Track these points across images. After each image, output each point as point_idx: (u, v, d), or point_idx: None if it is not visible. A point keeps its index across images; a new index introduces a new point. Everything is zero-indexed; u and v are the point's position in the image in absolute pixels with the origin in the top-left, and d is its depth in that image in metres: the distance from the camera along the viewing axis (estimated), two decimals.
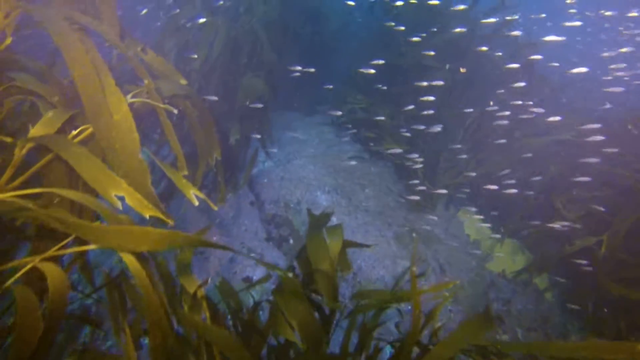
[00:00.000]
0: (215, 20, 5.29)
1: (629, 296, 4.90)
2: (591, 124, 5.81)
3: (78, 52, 1.77)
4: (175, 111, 2.29)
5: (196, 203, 1.97)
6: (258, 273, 5.23)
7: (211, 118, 3.26)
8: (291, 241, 5.71)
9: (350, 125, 7.46)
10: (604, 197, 5.60)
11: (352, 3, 8.02)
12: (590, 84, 8.66)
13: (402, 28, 6.59)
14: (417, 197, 6.26)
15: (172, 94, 2.78)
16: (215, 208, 1.98)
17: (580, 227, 5.61)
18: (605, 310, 5.36)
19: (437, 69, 6.56)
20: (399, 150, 6.39)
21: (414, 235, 6.04)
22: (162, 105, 2.26)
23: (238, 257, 5.34)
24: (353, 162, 6.91)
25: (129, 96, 2.22)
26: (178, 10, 5.33)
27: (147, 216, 1.89)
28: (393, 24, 6.78)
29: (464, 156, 6.40)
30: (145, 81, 2.23)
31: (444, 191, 6.22)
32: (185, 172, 2.69)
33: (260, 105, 5.51)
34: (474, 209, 6.71)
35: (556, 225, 5.54)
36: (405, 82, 6.74)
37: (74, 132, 1.93)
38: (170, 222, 2.15)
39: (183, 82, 3.01)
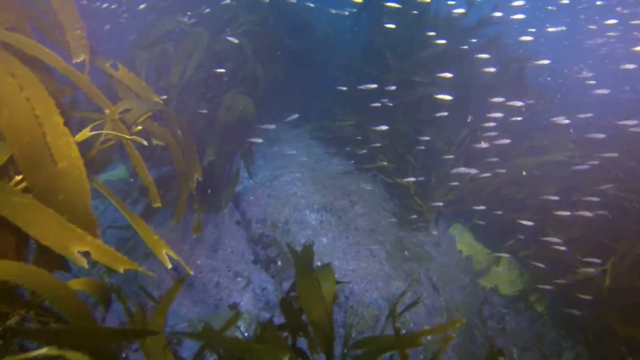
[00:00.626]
0: (195, 31, 5.00)
1: (636, 336, 4.71)
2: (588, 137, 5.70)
3: (7, 89, 1.48)
4: (146, 143, 2.02)
5: (169, 265, 1.70)
6: (245, 298, 4.95)
7: (191, 139, 2.99)
8: (279, 263, 5.43)
9: (339, 141, 7.20)
10: (602, 218, 5.42)
11: (334, 11, 7.77)
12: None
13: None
14: (409, 214, 6.05)
15: (147, 113, 2.50)
16: (191, 272, 1.71)
17: (578, 250, 5.42)
18: (607, 339, 5.16)
19: (427, 85, 6.35)
20: (387, 165, 6.17)
21: (406, 253, 5.81)
22: (128, 137, 1.98)
23: (224, 281, 5.05)
24: (343, 179, 6.66)
25: (88, 129, 1.93)
26: (154, 20, 5.04)
27: (122, 270, 1.62)
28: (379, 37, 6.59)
29: (459, 170, 6.21)
30: (107, 110, 1.95)
31: (439, 203, 6.03)
32: (158, 204, 2.42)
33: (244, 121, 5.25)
34: (465, 225, 6.52)
35: (553, 244, 5.34)
36: (395, 97, 6.51)
37: (17, 178, 1.63)
38: (150, 274, 1.87)
39: (157, 99, 2.73)
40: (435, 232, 6.43)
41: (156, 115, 2.91)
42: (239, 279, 5.14)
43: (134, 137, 2.00)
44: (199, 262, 5.16)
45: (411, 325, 5.03)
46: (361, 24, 8.20)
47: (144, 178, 2.07)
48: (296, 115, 6.33)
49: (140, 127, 2.11)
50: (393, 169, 6.42)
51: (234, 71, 5.51)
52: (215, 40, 5.40)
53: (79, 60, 2.10)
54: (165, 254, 1.74)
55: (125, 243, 5.11)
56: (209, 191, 5.49)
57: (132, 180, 6.00)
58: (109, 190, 1.92)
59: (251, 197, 6.19)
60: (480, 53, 6.40)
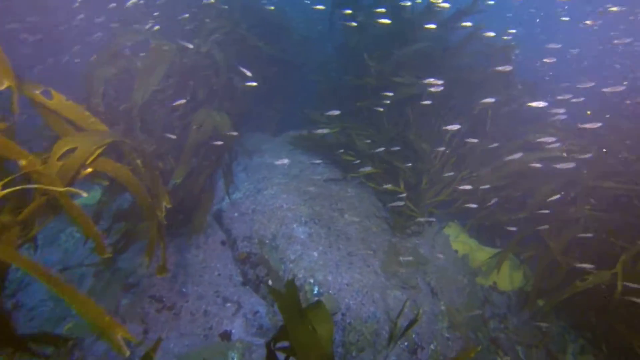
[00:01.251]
0: (159, 43, 4.61)
1: None
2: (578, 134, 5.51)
3: None
4: (85, 194, 1.69)
5: (126, 353, 1.38)
6: (237, 325, 4.63)
7: (157, 164, 2.66)
8: (270, 282, 5.11)
9: (323, 149, 6.88)
10: (606, 215, 5.19)
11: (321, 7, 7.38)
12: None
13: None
14: (401, 218, 5.79)
15: (97, 150, 2.16)
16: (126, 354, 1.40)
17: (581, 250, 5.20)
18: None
19: (408, 85, 6.06)
20: (375, 171, 5.88)
21: (401, 259, 5.55)
22: (60, 189, 1.65)
23: (212, 308, 4.72)
24: (330, 186, 6.36)
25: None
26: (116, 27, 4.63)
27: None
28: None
29: (450, 173, 5.96)
30: (22, 162, 1.62)
31: (431, 205, 5.77)
32: (108, 255, 2.08)
33: (219, 142, 4.90)
34: (459, 224, 6.28)
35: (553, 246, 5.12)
36: (374, 97, 6.22)
37: None
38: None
39: (103, 128, 2.39)
40: (428, 233, 6.19)
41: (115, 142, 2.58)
42: (228, 304, 4.81)
43: (68, 189, 1.67)
44: (184, 290, 4.82)
45: (413, 336, 4.77)
46: (335, 23, 7.88)
47: (86, 231, 1.75)
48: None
49: (89, 170, 1.78)
50: (382, 174, 6.14)
51: (206, 84, 5.16)
52: (183, 52, 5.04)
53: (2, 88, 1.77)
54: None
55: (100, 277, 4.76)
56: (181, 217, 5.14)
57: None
58: None
59: (235, 214, 5.87)
60: (463, 46, 6.15)
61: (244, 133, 7.75)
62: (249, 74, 4.94)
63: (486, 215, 5.81)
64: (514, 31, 7.04)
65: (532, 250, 5.58)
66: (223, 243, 5.55)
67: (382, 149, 5.88)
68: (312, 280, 4.93)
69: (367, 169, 5.97)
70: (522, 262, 5.92)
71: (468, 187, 5.42)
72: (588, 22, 7.93)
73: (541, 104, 5.47)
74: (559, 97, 5.89)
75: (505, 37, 6.79)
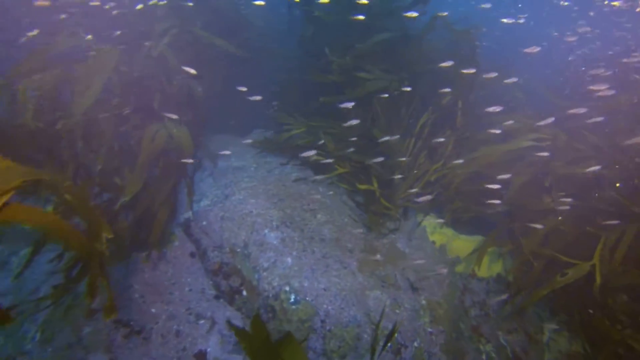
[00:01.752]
0: (101, 49, 4.19)
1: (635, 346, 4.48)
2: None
3: None
4: None
5: None
6: (212, 343, 4.38)
7: (87, 199, 2.35)
8: (244, 293, 4.87)
9: (291, 150, 6.58)
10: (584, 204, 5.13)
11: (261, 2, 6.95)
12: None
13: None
14: (375, 214, 5.61)
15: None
16: None
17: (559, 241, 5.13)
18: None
19: (373, 80, 5.83)
20: (346, 171, 5.66)
21: (378, 257, 5.39)
22: None
23: (185, 327, 4.44)
24: (300, 186, 6.12)
25: None
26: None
27: None
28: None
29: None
30: None
31: (406, 198, 5.61)
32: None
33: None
34: (435, 214, 6.16)
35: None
36: (339, 92, 5.97)
37: None
38: None
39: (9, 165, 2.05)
40: (404, 227, 6.05)
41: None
42: (201, 321, 4.54)
43: None
44: (153, 310, 4.52)
45: (396, 336, 4.63)
46: (294, 14, 7.53)
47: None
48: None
49: None
50: (354, 172, 5.93)
51: (160, 91, 4.78)
52: (131, 57, 4.65)
53: None
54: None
55: (58, 304, 4.38)
56: (143, 233, 4.81)
57: None
58: None
59: (204, 223, 5.56)
60: (426, 34, 5.96)
61: (207, 136, 7.39)
62: (193, 72, 4.54)
63: (461, 208, 5.70)
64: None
65: (509, 244, 5.47)
66: (193, 255, 5.25)
67: (351, 149, 5.66)
68: (287, 288, 4.72)
69: (338, 170, 5.75)
70: (500, 256, 5.84)
71: (442, 177, 5.29)
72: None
73: (497, 108, 5.36)
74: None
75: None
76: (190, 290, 4.84)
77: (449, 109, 6.29)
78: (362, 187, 5.61)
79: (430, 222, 6.22)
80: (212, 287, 4.98)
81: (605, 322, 4.69)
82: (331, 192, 6.03)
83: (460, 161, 5.43)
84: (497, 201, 5.23)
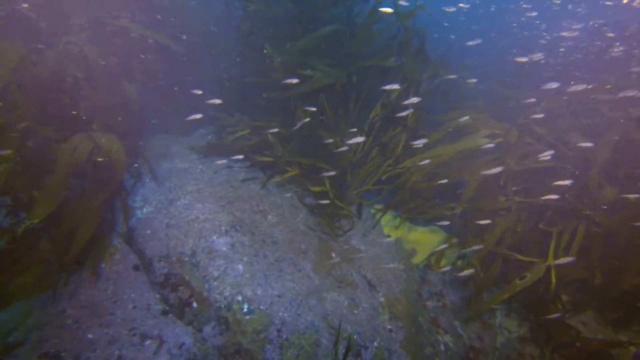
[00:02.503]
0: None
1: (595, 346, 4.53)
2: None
3: None
4: None
5: None
6: None
7: None
8: (194, 305, 4.50)
9: (236, 152, 6.13)
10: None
11: None
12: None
13: None
14: (328, 213, 5.38)
15: None
16: None
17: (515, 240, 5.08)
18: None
19: (319, 77, 5.51)
20: (296, 173, 5.36)
21: (333, 256, 5.18)
22: None
23: (128, 352, 4.03)
24: (249, 186, 5.76)
25: None
26: None
27: None
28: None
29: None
30: None
31: (358, 194, 5.40)
32: None
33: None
34: (384, 206, 6.01)
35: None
36: (283, 89, 5.61)
37: None
38: None
39: None
40: (358, 222, 5.87)
41: None
42: (147, 342, 4.14)
43: None
44: (90, 336, 4.06)
45: (355, 337, 4.45)
46: (231, 7, 7.02)
47: None
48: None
49: None
50: (305, 174, 5.65)
51: (77, 93, 4.23)
52: (39, 55, 4.06)
53: None
54: None
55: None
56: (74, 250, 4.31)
57: None
58: None
59: (147, 231, 5.11)
60: (369, 26, 5.70)
61: (147, 138, 6.84)
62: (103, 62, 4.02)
63: (417, 209, 5.52)
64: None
65: (468, 244, 5.36)
66: (136, 268, 4.79)
67: (300, 151, 5.36)
68: (240, 298, 4.41)
69: (289, 172, 5.45)
70: (459, 256, 5.76)
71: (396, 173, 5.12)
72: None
73: (414, 99, 5.22)
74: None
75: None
76: (134, 307, 4.42)
77: (400, 104, 6.09)
78: (315, 189, 5.33)
79: (385, 216, 6.08)
80: (159, 302, 4.57)
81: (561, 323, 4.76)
82: (282, 191, 5.73)
83: (414, 161, 5.24)
84: (453, 204, 5.15)
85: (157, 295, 4.58)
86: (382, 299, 5.07)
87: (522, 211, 4.78)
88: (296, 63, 5.49)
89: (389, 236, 5.89)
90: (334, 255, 5.19)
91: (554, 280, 4.40)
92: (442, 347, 5.09)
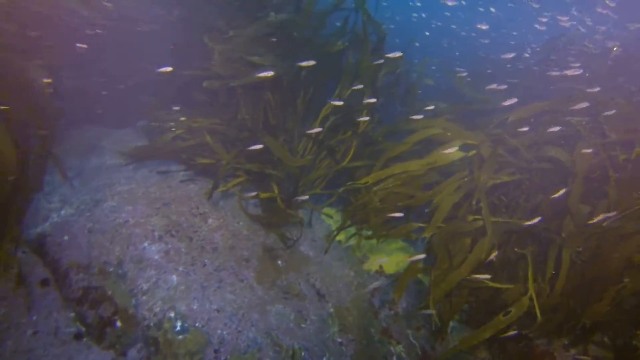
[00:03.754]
0: None
1: None
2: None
3: None
4: None
5: None
6: None
7: None
8: (118, 324, 3.80)
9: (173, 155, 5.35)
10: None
11: None
12: None
13: None
14: (275, 215, 4.84)
15: None
16: None
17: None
18: None
19: (267, 67, 4.89)
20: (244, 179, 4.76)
21: (279, 263, 4.64)
22: None
23: None
24: (188, 186, 5.09)
25: None
26: None
27: None
28: None
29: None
30: None
31: (305, 197, 4.87)
32: None
33: None
34: (340, 211, 5.57)
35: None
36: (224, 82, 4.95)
37: None
38: None
39: None
40: (308, 229, 5.38)
41: None
42: None
43: None
44: None
45: (302, 354, 3.95)
46: None
47: None
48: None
49: None
50: (251, 179, 5.05)
51: None
52: None
53: None
54: None
55: None
56: None
57: None
58: None
59: (65, 238, 4.32)
60: (327, 14, 5.20)
61: (71, 129, 5.95)
62: None
63: (380, 229, 4.87)
64: None
65: (434, 271, 4.51)
66: (45, 283, 4.01)
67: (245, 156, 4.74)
68: (172, 314, 3.77)
69: (233, 182, 4.83)
70: (406, 250, 5.39)
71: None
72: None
73: (371, 100, 4.85)
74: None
75: None
76: (35, 333, 3.64)
77: (355, 100, 5.59)
78: (264, 195, 4.74)
79: (335, 218, 5.63)
80: (73, 322, 3.82)
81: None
82: (225, 191, 5.10)
83: (379, 177, 4.64)
84: (418, 224, 4.64)
85: (72, 314, 3.83)
86: (331, 310, 4.61)
87: (496, 233, 4.19)
88: (239, 55, 4.85)
89: (339, 242, 5.44)
90: (280, 263, 4.66)
91: (539, 316, 3.86)
92: (394, 359, 4.71)
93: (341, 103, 4.95)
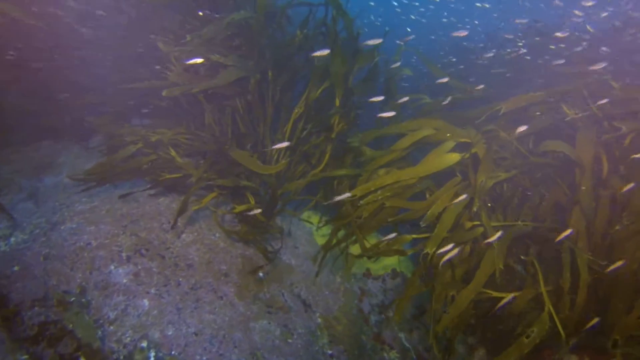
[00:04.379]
0: None
1: None
2: None
3: None
4: None
5: None
6: None
7: None
8: None
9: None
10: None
11: None
12: None
13: None
14: (253, 224, 4.46)
15: None
16: None
17: None
18: None
19: (230, 67, 4.48)
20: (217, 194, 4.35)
21: (260, 275, 4.26)
22: None
23: None
24: (158, 199, 4.64)
25: None
26: None
27: None
28: None
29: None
30: None
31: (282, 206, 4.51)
32: None
33: None
34: (320, 213, 5.22)
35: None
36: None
37: None
38: None
39: None
40: (289, 235, 5.01)
41: None
42: None
43: None
44: None
45: None
46: None
47: None
48: None
49: None
50: (228, 192, 4.62)
51: None
52: None
53: None
54: None
55: None
56: None
57: None
58: None
59: (15, 268, 3.80)
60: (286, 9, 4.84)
61: (22, 145, 5.36)
62: None
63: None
64: None
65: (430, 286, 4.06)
66: None
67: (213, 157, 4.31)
68: (144, 344, 3.34)
69: (205, 199, 4.39)
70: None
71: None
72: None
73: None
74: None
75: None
76: None
77: (324, 102, 5.21)
78: (240, 208, 4.33)
79: (315, 220, 5.28)
80: None
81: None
82: (198, 202, 4.67)
83: (368, 188, 4.12)
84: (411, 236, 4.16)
85: (25, 357, 3.33)
86: (319, 320, 4.26)
87: (504, 244, 3.61)
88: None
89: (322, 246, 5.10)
90: (261, 274, 4.27)
91: (563, 334, 3.36)
92: None
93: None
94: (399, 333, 4.73)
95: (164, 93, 4.03)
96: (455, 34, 4.90)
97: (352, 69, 5.02)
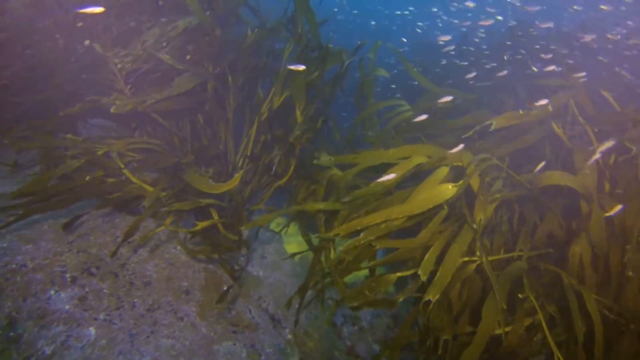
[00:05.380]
0: None
1: None
2: None
3: None
4: None
5: None
6: None
7: None
8: None
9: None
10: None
11: None
12: None
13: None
14: (215, 236, 3.99)
15: None
16: None
17: None
18: None
19: (183, 71, 3.98)
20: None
21: (225, 289, 3.80)
22: None
23: None
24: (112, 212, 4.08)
25: None
26: None
27: None
28: None
29: None
30: None
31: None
32: None
33: None
34: (291, 220, 4.80)
35: None
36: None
37: None
38: None
39: None
40: (252, 241, 4.57)
41: None
42: None
43: None
44: None
45: None
46: None
47: None
48: None
49: None
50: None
51: None
52: None
53: None
54: None
55: None
56: None
57: None
58: None
59: None
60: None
61: None
62: None
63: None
64: None
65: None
66: None
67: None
68: None
69: (162, 226, 3.84)
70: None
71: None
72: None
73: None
74: None
75: None
76: None
77: (287, 108, 4.74)
78: (202, 224, 3.81)
79: (288, 230, 4.87)
80: None
81: None
82: (156, 213, 4.15)
83: (349, 228, 3.43)
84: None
85: None
86: (289, 337, 3.85)
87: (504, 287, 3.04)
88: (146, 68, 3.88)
89: (292, 255, 4.68)
90: (226, 288, 3.81)
91: None
92: None
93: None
94: (374, 345, 4.39)
95: (112, 110, 3.49)
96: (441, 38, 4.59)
97: (319, 73, 4.59)
